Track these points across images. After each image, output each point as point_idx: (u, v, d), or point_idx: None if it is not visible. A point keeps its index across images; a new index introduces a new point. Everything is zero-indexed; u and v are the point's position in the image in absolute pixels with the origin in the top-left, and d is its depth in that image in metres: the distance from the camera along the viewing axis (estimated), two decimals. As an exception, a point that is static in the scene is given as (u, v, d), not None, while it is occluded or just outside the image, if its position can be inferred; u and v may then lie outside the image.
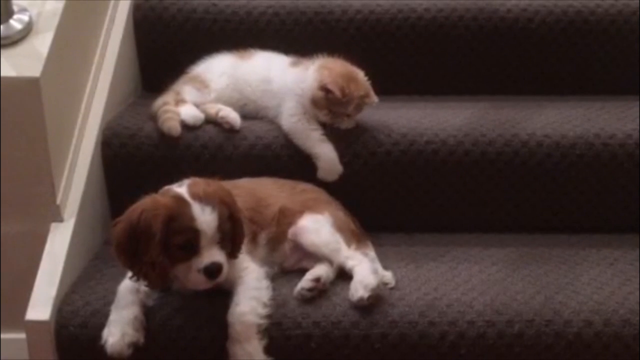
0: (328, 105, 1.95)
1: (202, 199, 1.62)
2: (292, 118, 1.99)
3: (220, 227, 1.63)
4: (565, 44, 2.31)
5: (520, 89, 2.34)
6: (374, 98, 1.99)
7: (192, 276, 1.63)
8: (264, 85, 2.06)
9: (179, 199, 1.62)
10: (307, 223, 1.81)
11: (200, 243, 1.62)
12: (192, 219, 1.61)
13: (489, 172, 2.02)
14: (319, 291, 1.73)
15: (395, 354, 1.70)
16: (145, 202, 1.63)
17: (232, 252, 1.69)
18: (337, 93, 1.92)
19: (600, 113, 2.13)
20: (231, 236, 1.67)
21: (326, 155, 1.97)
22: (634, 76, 2.31)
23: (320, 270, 1.75)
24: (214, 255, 1.63)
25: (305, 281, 1.73)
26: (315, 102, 1.95)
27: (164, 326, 1.70)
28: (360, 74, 1.99)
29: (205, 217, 1.61)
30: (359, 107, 1.98)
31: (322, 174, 1.97)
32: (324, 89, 1.93)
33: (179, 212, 1.61)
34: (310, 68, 2.00)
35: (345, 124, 2.00)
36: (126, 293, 1.70)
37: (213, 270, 1.63)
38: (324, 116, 1.97)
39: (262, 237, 1.81)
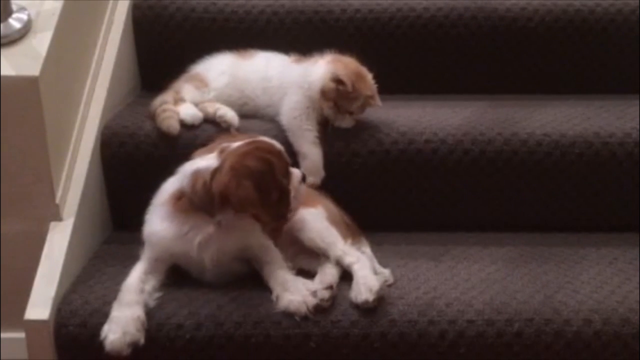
0: (336, 98, 1.96)
1: (248, 136, 1.77)
2: (293, 112, 1.99)
3: None
4: (565, 43, 2.32)
5: (519, 87, 2.34)
6: (378, 101, 2.00)
7: (299, 192, 1.76)
8: (264, 84, 2.07)
9: (250, 142, 1.72)
10: (302, 217, 1.81)
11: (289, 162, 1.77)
12: (274, 145, 1.74)
13: (488, 170, 2.02)
14: (333, 298, 1.72)
15: (395, 353, 1.70)
16: (240, 157, 1.69)
17: None
18: (349, 87, 1.93)
19: (600, 112, 2.13)
20: None
21: (313, 157, 1.97)
22: (634, 75, 2.31)
23: (329, 277, 1.74)
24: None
25: (321, 292, 1.71)
26: (324, 93, 1.96)
27: (162, 325, 1.70)
28: (369, 75, 2.00)
29: (273, 142, 1.76)
30: (363, 107, 1.99)
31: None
32: (337, 80, 1.94)
33: (266, 148, 1.72)
34: (319, 62, 2.01)
35: (346, 123, 2.00)
36: (131, 291, 1.70)
37: (304, 176, 1.80)
38: (328, 109, 1.97)
39: None
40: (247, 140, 1.74)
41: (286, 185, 1.72)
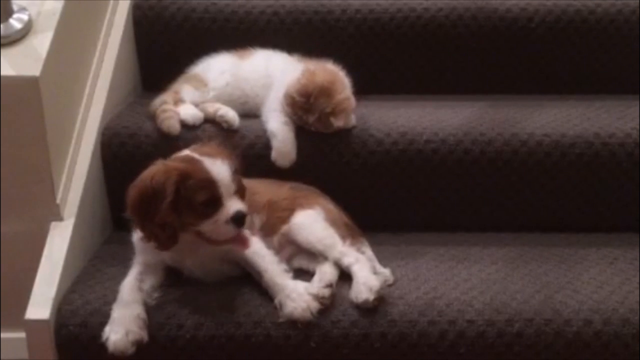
0: (292, 105, 1.95)
1: (210, 153, 1.69)
2: (273, 103, 2.00)
3: (233, 178, 1.68)
4: (565, 43, 2.32)
5: (519, 88, 2.34)
6: (340, 122, 1.96)
7: (220, 229, 1.67)
8: (263, 80, 2.07)
9: (190, 158, 1.68)
10: (300, 220, 1.82)
11: (221, 195, 1.66)
12: (207, 172, 1.66)
13: (488, 171, 2.02)
14: (333, 296, 1.72)
15: (395, 353, 1.70)
16: (157, 167, 1.68)
17: None
18: (298, 98, 1.93)
19: (600, 112, 2.13)
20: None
21: (283, 135, 1.96)
22: (634, 75, 2.31)
23: (328, 275, 1.74)
24: (236, 204, 1.67)
25: (321, 290, 1.71)
26: (285, 98, 1.96)
27: (163, 325, 1.70)
28: (342, 94, 1.96)
29: (219, 168, 1.67)
30: (323, 122, 1.96)
31: (275, 154, 1.97)
32: (294, 88, 1.94)
33: (193, 169, 1.66)
34: (299, 66, 2.01)
35: (328, 129, 1.98)
36: (129, 291, 1.71)
37: (239, 218, 1.67)
38: (290, 114, 1.97)
39: (257, 219, 1.82)
40: (181, 156, 1.71)
41: (170, 220, 1.64)
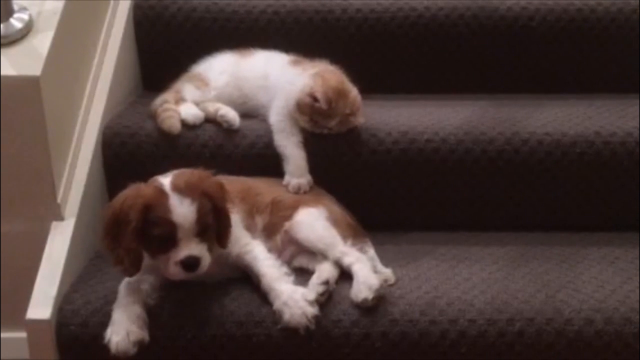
0: (311, 113, 1.94)
1: (183, 190, 1.64)
2: (278, 116, 1.99)
3: (199, 220, 1.64)
4: (566, 42, 2.31)
5: (520, 87, 2.34)
6: (361, 119, 1.98)
7: (170, 268, 1.65)
8: (260, 82, 2.06)
9: (159, 190, 1.64)
10: (302, 217, 1.82)
11: (177, 236, 1.63)
12: (168, 210, 1.62)
13: (490, 170, 2.02)
14: (329, 293, 1.73)
15: (396, 352, 1.70)
16: (130, 191, 1.67)
17: (221, 242, 1.70)
18: (323, 105, 1.91)
19: (601, 111, 2.13)
20: (218, 228, 1.68)
21: (296, 161, 1.95)
22: (634, 74, 2.31)
23: (325, 273, 1.74)
24: (191, 248, 1.64)
25: (316, 286, 1.71)
26: (299, 106, 1.94)
27: (164, 325, 1.70)
28: (353, 92, 1.97)
29: (182, 210, 1.62)
30: (343, 124, 1.97)
31: (288, 178, 1.95)
32: (312, 96, 1.92)
33: (157, 203, 1.62)
34: (305, 72, 1.99)
35: (334, 131, 1.99)
36: (128, 292, 1.71)
37: (190, 264, 1.64)
38: (304, 122, 1.96)
39: (259, 220, 1.82)
40: (155, 184, 1.67)
41: (133, 247, 1.63)
